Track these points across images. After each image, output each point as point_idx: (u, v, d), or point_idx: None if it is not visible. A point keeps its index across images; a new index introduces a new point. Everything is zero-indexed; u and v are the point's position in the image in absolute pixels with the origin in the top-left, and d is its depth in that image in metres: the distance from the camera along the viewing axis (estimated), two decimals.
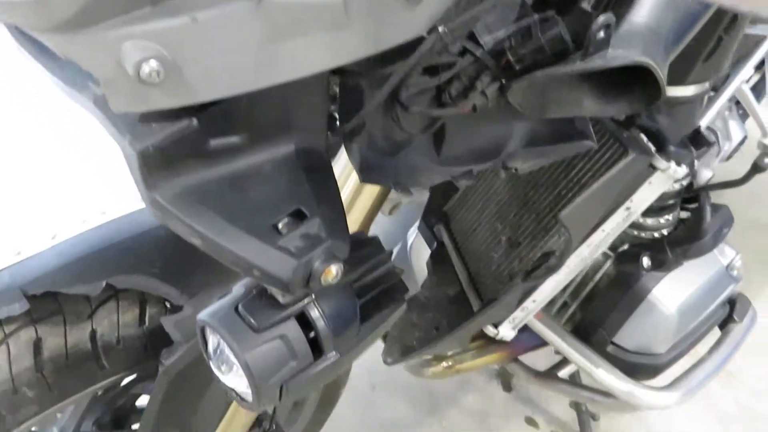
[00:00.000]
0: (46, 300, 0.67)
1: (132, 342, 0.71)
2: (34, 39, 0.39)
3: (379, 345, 1.17)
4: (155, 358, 0.72)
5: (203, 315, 0.46)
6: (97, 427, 0.90)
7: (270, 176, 0.41)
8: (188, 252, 0.71)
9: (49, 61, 0.44)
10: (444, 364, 1.07)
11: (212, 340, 0.48)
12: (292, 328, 0.43)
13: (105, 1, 0.32)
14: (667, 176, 0.61)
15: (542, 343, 1.08)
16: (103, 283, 0.65)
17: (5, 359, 0.64)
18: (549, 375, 1.09)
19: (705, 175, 1.05)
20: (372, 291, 0.47)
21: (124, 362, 0.72)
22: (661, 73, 0.45)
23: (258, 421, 0.89)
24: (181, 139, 0.39)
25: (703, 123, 1.15)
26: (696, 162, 0.95)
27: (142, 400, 0.93)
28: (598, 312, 0.92)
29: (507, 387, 1.55)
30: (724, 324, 1.00)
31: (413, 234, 0.98)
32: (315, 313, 0.44)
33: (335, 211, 0.42)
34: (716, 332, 1.02)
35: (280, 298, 0.43)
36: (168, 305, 0.72)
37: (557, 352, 1.15)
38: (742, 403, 1.49)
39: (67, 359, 0.67)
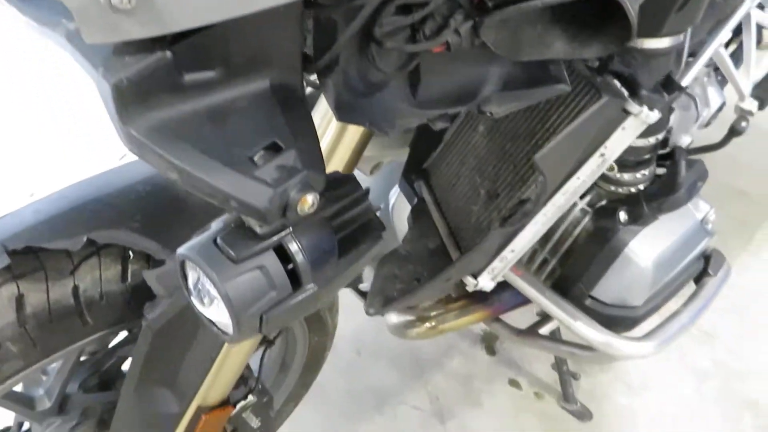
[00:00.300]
0: (27, 257, 0.67)
1: (115, 298, 0.72)
2: None
3: (363, 313, 1.18)
4: (139, 314, 0.72)
5: (182, 249, 0.47)
6: (83, 390, 0.91)
7: (245, 111, 0.41)
8: (169, 206, 0.72)
9: (21, 1, 0.44)
10: (427, 324, 1.08)
11: (192, 274, 0.49)
12: (271, 259, 0.44)
13: None
14: (640, 121, 0.62)
15: (523, 302, 1.10)
16: (84, 238, 0.66)
17: None
18: (530, 332, 1.11)
19: (684, 140, 1.07)
20: (349, 227, 0.48)
21: (107, 318, 0.72)
22: (632, 9, 0.46)
23: (244, 379, 0.90)
24: (155, 72, 0.39)
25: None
26: (672, 115, 0.97)
27: (128, 364, 0.94)
28: (577, 267, 0.94)
29: (491, 351, 1.57)
30: (699, 278, 1.02)
31: (395, 194, 0.99)
32: (293, 246, 0.44)
33: (310, 144, 0.42)
34: (692, 286, 1.04)
35: (258, 230, 0.44)
36: (148, 262, 0.73)
37: (538, 314, 1.17)
38: (717, 360, 1.53)
39: (50, 315, 0.68)
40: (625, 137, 0.63)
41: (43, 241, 0.65)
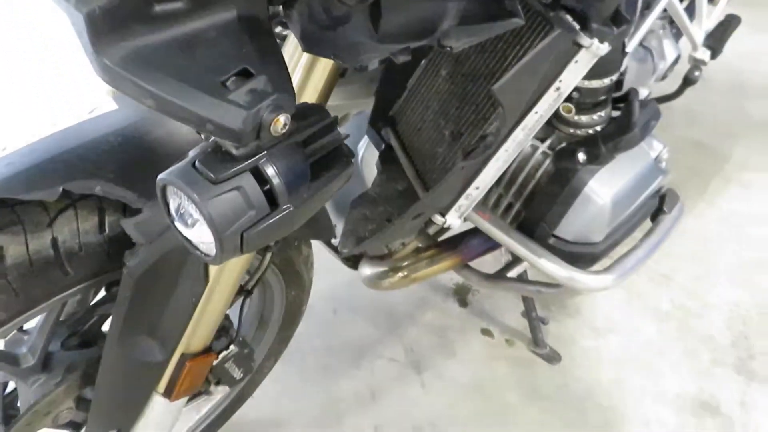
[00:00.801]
0: (3, 210, 0.68)
1: (94, 248, 0.73)
2: None
3: (339, 272, 1.21)
4: (119, 264, 0.74)
5: (163, 175, 0.49)
6: (65, 349, 0.93)
7: (215, 40, 0.43)
8: (141, 157, 0.74)
9: None
10: (400, 274, 1.12)
11: (173, 200, 0.51)
12: (249, 180, 0.47)
13: None
14: (592, 54, 0.65)
15: (490, 247, 1.14)
16: (60, 189, 0.67)
17: None
18: (499, 276, 1.16)
19: (642, 93, 1.12)
20: (320, 153, 0.51)
21: (88, 269, 0.74)
22: None
23: (225, 330, 0.92)
24: (127, 2, 0.41)
25: (636, 40, 1.21)
26: (624, 55, 1.00)
27: (108, 324, 0.96)
28: (540, 208, 0.98)
29: (463, 303, 1.62)
30: (655, 215, 1.07)
31: (363, 146, 1.01)
32: (269, 169, 0.47)
33: (279, 69, 0.45)
34: (648, 224, 1.10)
35: (234, 152, 0.47)
36: (126, 211, 0.74)
37: (506, 260, 1.22)
38: (676, 301, 1.60)
39: (31, 266, 0.69)
40: (578, 70, 0.67)
41: (18, 192, 0.66)
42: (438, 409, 1.40)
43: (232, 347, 0.94)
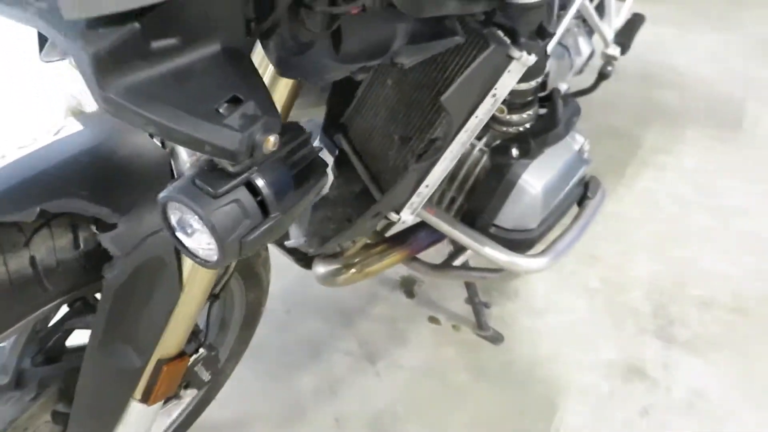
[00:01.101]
0: None
1: (70, 264, 0.77)
2: None
3: (290, 273, 1.27)
4: (95, 277, 0.78)
5: (164, 193, 0.54)
6: (34, 365, 0.95)
7: (205, 71, 0.49)
8: (112, 174, 0.77)
9: None
10: (353, 270, 1.19)
11: (174, 214, 0.56)
12: (244, 193, 0.53)
13: None
14: (522, 64, 0.74)
15: (436, 239, 1.23)
16: (37, 209, 0.70)
17: None
18: (445, 265, 1.25)
19: (562, 87, 1.23)
20: (300, 165, 0.57)
21: (65, 284, 0.77)
22: None
23: (194, 334, 0.97)
24: (127, 42, 0.46)
25: (555, 39, 1.33)
26: (548, 61, 1.11)
27: (72, 339, 0.98)
28: (480, 200, 1.07)
29: (410, 294, 1.71)
30: (581, 201, 1.19)
31: None
32: (260, 182, 0.53)
33: (264, 95, 0.51)
34: (575, 209, 1.22)
35: (230, 169, 0.52)
36: (96, 228, 0.78)
37: (449, 252, 1.31)
38: (603, 278, 1.75)
39: (11, 284, 0.72)
40: (511, 78, 0.76)
41: None
42: (395, 396, 1.48)
43: (201, 350, 0.98)
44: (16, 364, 0.88)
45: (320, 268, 1.17)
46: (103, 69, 0.46)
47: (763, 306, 1.66)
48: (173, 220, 0.57)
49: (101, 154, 0.78)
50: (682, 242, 1.86)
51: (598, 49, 1.72)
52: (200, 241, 0.55)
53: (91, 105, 0.83)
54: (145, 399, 0.89)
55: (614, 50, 1.77)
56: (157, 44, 0.47)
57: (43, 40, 0.88)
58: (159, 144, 0.79)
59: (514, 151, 1.04)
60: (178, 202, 0.53)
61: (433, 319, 1.65)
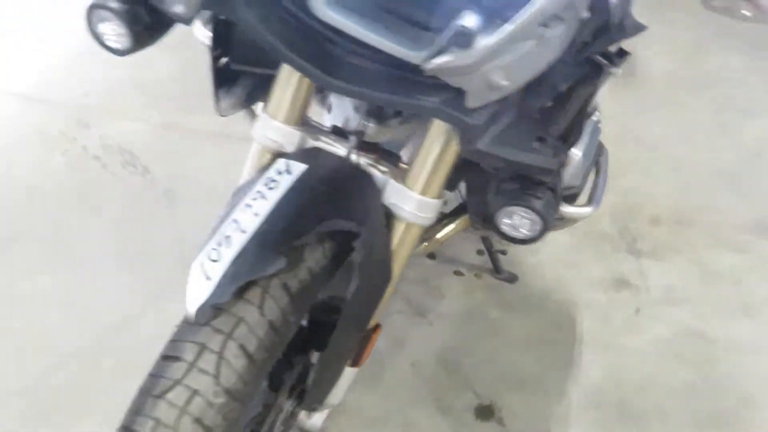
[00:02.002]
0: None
1: (325, 269, 0.99)
2: None
3: None
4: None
5: (534, 205, 0.86)
6: None
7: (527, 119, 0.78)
8: (340, 193, 1.00)
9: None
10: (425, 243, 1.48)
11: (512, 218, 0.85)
12: (550, 194, 0.84)
13: None
14: (616, 76, 1.08)
15: None
16: (315, 232, 0.92)
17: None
18: None
19: None
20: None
21: (322, 284, 1.00)
22: None
23: None
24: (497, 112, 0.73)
25: None
26: None
27: None
28: None
29: (431, 256, 2.02)
30: (597, 160, 1.56)
31: None
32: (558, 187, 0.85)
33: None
34: None
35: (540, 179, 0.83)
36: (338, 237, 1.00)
37: None
38: None
39: (298, 292, 0.93)
40: (606, 87, 1.10)
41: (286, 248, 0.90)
42: (449, 338, 1.81)
43: None
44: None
45: None
46: (476, 132, 0.72)
47: (699, 214, 2.17)
48: (506, 222, 0.84)
49: (324, 179, 1.00)
50: (624, 173, 2.30)
51: None
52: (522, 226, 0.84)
53: (290, 146, 1.05)
54: (355, 363, 1.14)
55: None
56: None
57: (217, 97, 1.10)
58: (354, 162, 1.04)
59: None
60: (537, 213, 0.82)
61: (457, 273, 1.98)
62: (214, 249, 0.88)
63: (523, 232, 0.87)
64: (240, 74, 1.13)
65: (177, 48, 2.58)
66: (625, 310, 1.89)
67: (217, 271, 0.85)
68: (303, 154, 1.03)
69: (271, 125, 1.04)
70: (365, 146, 1.07)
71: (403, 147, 1.23)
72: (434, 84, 0.74)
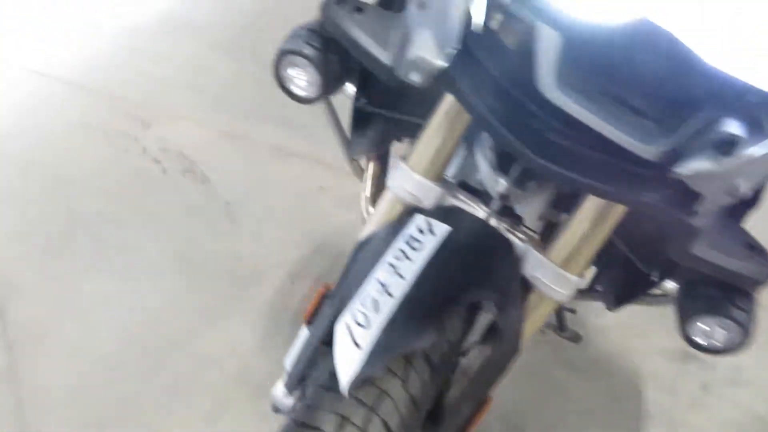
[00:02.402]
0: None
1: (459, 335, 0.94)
2: None
3: None
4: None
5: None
6: None
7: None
8: (481, 260, 0.94)
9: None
10: None
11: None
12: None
13: None
14: None
15: None
16: (467, 302, 0.88)
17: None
18: None
19: None
20: None
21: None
22: None
23: None
24: None
25: None
26: None
27: None
28: None
29: None
30: None
31: None
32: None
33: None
34: None
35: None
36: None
37: None
38: None
39: (438, 362, 0.89)
40: None
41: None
42: (515, 394, 1.75)
43: None
44: None
45: None
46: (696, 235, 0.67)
47: None
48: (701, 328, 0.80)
49: (468, 245, 0.95)
50: None
51: None
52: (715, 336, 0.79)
53: (427, 201, 1.00)
54: None
55: None
56: None
57: (351, 139, 1.06)
58: (494, 226, 0.98)
59: None
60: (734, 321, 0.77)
61: None
62: (362, 312, 0.82)
63: (715, 342, 0.82)
64: (373, 117, 1.09)
65: (233, 51, 2.58)
66: (692, 385, 1.83)
67: (367, 338, 0.80)
68: (443, 213, 0.98)
69: (411, 177, 0.99)
70: (504, 210, 1.02)
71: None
72: (653, 177, 0.69)
